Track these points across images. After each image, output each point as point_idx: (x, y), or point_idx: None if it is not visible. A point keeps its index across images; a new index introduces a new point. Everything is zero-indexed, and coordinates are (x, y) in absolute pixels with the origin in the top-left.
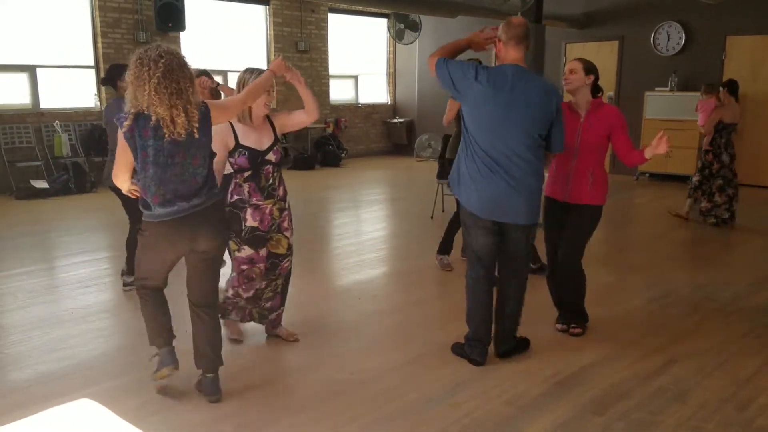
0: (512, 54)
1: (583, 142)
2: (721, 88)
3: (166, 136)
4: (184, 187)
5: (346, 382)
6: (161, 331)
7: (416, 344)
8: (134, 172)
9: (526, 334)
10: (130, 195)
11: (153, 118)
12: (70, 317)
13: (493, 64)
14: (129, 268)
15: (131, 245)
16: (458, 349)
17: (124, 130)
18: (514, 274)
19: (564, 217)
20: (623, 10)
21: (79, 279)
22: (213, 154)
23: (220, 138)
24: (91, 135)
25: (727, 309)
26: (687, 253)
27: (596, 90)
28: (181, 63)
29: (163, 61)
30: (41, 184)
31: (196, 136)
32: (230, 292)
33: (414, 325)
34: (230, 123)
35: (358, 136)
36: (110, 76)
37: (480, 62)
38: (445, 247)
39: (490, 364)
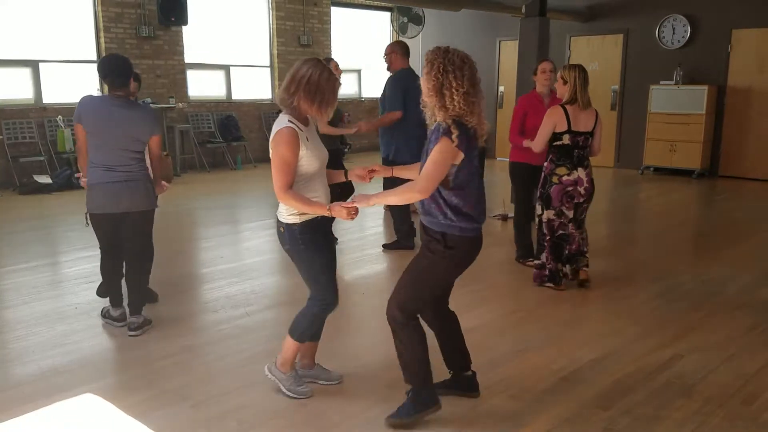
0: (405, 62)
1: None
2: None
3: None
4: None
5: (349, 376)
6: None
7: None
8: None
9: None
10: None
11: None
12: (73, 312)
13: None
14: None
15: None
16: None
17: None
18: None
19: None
20: (628, 3)
21: (83, 274)
22: None
23: None
24: None
25: (733, 303)
26: (693, 247)
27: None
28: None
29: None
30: (44, 179)
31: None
32: None
33: None
34: None
35: None
36: None
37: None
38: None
39: (495, 359)
